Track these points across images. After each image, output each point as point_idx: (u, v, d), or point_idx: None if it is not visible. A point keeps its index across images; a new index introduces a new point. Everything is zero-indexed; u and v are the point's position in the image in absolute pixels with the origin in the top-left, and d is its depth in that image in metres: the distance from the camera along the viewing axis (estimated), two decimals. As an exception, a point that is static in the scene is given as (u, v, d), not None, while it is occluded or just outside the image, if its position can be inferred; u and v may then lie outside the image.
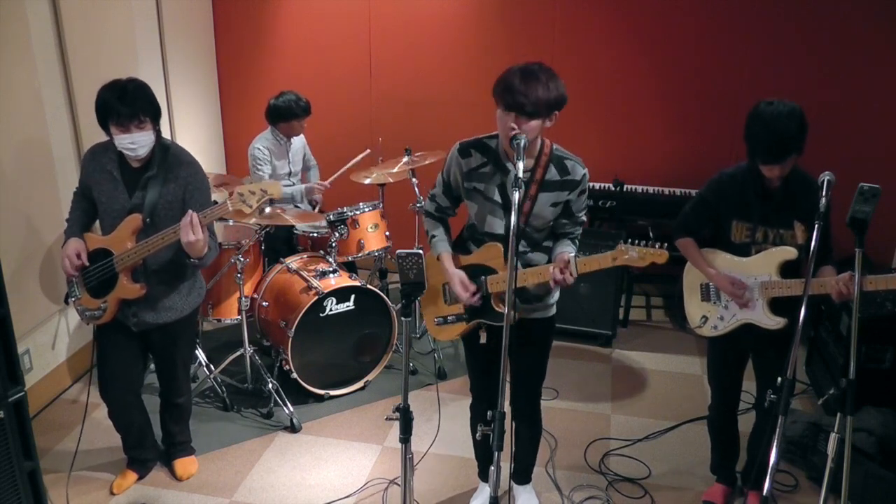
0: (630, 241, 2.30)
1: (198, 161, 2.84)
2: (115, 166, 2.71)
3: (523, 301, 2.56)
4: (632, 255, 2.28)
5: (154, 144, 2.69)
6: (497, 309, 2.51)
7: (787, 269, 2.56)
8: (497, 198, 2.46)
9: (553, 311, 2.67)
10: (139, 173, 2.71)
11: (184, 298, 2.89)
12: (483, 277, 2.52)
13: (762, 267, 2.60)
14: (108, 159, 2.72)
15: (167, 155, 2.74)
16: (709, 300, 2.78)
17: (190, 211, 2.61)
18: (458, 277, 2.53)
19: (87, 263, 2.75)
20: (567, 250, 2.47)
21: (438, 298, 2.71)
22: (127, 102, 2.54)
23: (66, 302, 2.89)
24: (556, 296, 2.65)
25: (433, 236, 2.65)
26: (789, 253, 2.55)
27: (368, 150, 4.40)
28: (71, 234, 2.79)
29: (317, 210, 4.50)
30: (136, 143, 2.60)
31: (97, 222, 2.86)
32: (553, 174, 2.43)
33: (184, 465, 3.24)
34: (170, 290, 2.85)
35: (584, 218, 2.57)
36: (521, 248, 2.50)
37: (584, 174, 2.45)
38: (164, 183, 2.71)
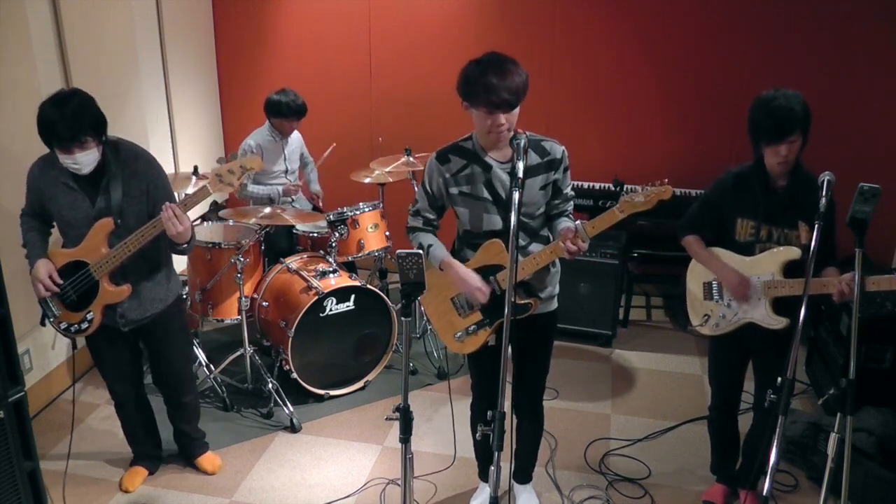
0: (631, 189, 2.31)
1: (148, 150, 2.80)
2: (68, 177, 2.62)
3: (530, 294, 2.55)
4: (637, 199, 2.29)
5: (100, 157, 2.60)
6: (518, 301, 2.48)
7: (791, 269, 2.56)
8: (487, 195, 2.45)
9: (555, 304, 2.67)
10: (95, 178, 2.63)
11: (165, 287, 2.88)
12: (492, 277, 2.50)
13: (766, 266, 2.60)
14: (60, 171, 2.61)
15: (119, 152, 2.67)
16: (711, 299, 2.78)
17: (167, 203, 2.59)
18: (471, 278, 2.48)
19: (61, 281, 2.69)
20: (569, 225, 2.47)
21: (450, 314, 2.65)
22: (67, 124, 2.43)
23: (43, 324, 2.82)
24: (557, 287, 2.65)
25: (429, 245, 2.58)
26: (793, 253, 2.54)
27: (334, 145, 4.38)
28: (35, 257, 2.72)
29: (319, 203, 4.49)
30: (79, 163, 2.53)
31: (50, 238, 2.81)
32: (534, 158, 2.45)
33: (209, 460, 3.27)
34: (150, 283, 2.82)
35: (573, 192, 2.60)
36: (520, 242, 2.49)
37: (563, 150, 2.49)
38: (124, 181, 2.66)
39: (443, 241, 2.64)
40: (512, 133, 2.39)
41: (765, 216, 2.60)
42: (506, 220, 2.44)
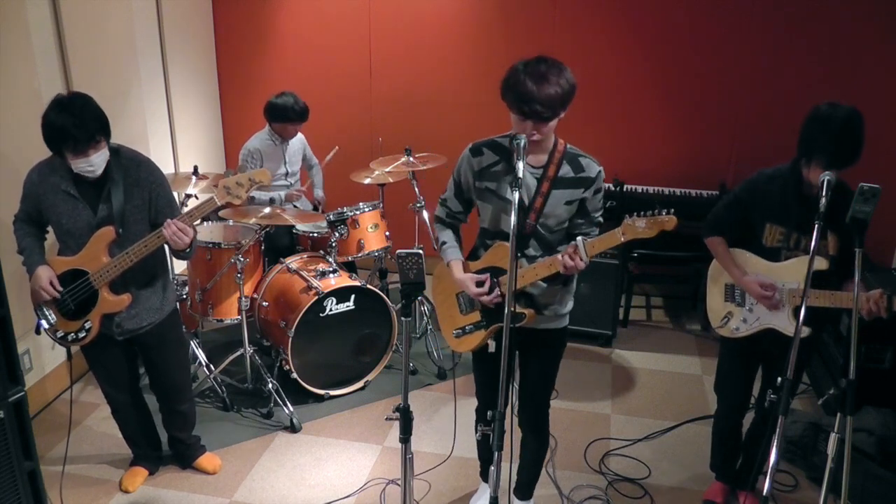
0: (636, 213, 2.27)
1: (149, 157, 2.79)
2: (70, 185, 2.60)
3: (530, 306, 2.50)
4: (639, 225, 2.25)
5: (108, 158, 2.60)
6: (514, 309, 2.45)
7: (816, 279, 2.50)
8: (510, 196, 2.41)
9: (565, 321, 2.61)
10: (97, 185, 2.62)
11: (161, 297, 2.87)
12: (496, 279, 2.48)
13: (792, 274, 2.55)
14: (60, 178, 2.60)
15: (120, 159, 2.66)
16: (732, 301, 2.74)
17: (169, 220, 2.58)
18: (470, 280, 2.47)
19: (61, 289, 2.68)
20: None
21: (454, 309, 2.64)
22: (80, 126, 2.42)
23: (38, 332, 2.79)
24: (568, 305, 2.59)
25: (443, 243, 2.58)
26: (821, 263, 2.44)
27: (337, 148, 4.35)
28: (35, 263, 2.69)
29: (320, 208, 4.48)
30: (93, 164, 2.52)
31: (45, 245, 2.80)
32: (567, 171, 2.39)
33: (209, 460, 3.28)
34: (148, 292, 2.81)
35: (601, 219, 2.50)
36: (531, 252, 2.45)
37: (600, 171, 2.42)
38: (126, 189, 2.64)
39: (465, 238, 2.64)
40: (548, 143, 2.35)
41: (796, 224, 2.54)
42: (523, 225, 2.40)
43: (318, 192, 4.55)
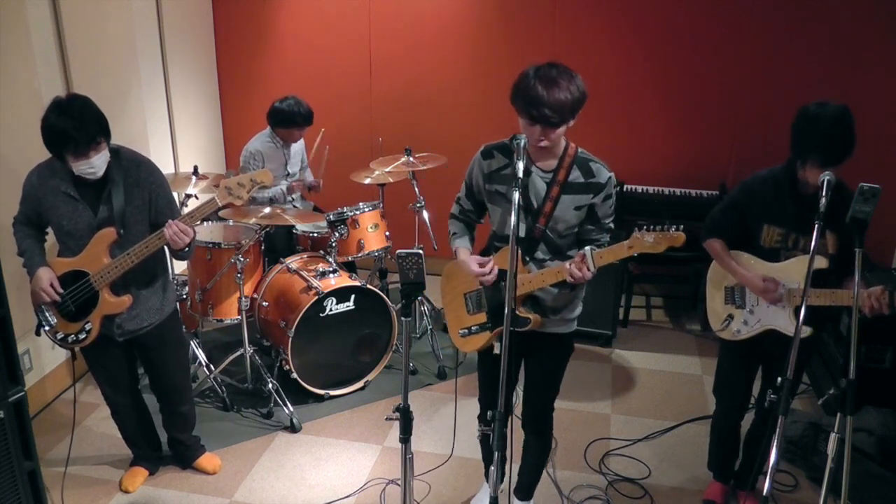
0: (645, 227, 2.25)
1: (148, 157, 2.78)
2: (70, 186, 2.60)
3: (536, 310, 2.50)
4: (647, 240, 2.23)
5: (108, 159, 2.60)
6: (519, 313, 2.44)
7: (816, 278, 2.51)
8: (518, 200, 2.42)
9: (573, 326, 2.59)
10: (97, 187, 2.62)
11: (161, 298, 2.86)
12: (503, 283, 2.46)
13: (792, 274, 2.55)
14: (60, 180, 2.60)
15: (120, 160, 2.65)
16: (733, 303, 2.74)
17: (170, 221, 2.59)
18: (472, 259, 2.45)
19: (62, 290, 2.67)
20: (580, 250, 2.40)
21: (461, 309, 2.64)
22: (80, 128, 2.42)
23: (38, 334, 2.78)
24: (577, 310, 2.58)
25: (453, 233, 2.59)
26: (821, 262, 2.45)
27: (323, 130, 4.32)
28: (36, 265, 2.68)
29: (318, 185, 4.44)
30: (94, 166, 2.52)
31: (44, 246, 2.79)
32: (577, 176, 2.37)
33: (209, 460, 3.28)
34: (148, 293, 2.81)
35: (612, 225, 2.49)
36: (540, 255, 2.44)
37: (610, 177, 2.39)
38: (126, 190, 2.64)
39: (478, 240, 2.64)
40: (558, 148, 2.34)
41: (793, 224, 2.54)
42: (532, 229, 2.40)
43: (309, 179, 4.49)
